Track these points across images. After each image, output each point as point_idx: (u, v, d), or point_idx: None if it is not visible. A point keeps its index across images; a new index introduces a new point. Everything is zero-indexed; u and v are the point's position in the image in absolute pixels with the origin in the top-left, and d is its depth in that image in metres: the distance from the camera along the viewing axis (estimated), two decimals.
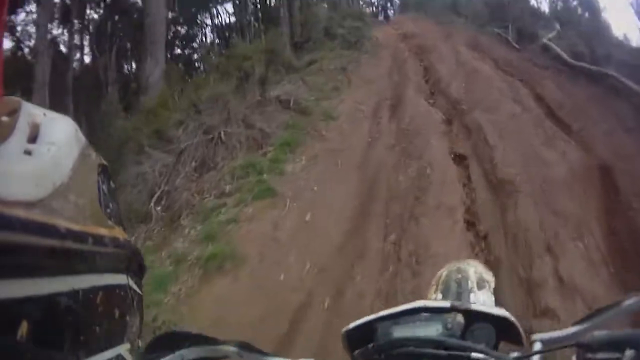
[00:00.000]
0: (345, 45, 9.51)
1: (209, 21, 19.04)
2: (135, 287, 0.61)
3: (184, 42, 18.66)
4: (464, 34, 9.80)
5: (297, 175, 4.75)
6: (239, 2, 16.04)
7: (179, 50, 18.04)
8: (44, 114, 0.47)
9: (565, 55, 7.05)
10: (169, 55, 12.17)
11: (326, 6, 13.49)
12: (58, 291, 0.35)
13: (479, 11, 11.03)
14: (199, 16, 17.92)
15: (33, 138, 0.42)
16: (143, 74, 9.09)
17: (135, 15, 13.28)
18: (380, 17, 17.94)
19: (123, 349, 0.50)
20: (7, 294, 0.29)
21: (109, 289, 0.47)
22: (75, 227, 0.39)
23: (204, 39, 19.23)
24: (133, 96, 9.58)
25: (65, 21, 12.36)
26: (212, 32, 18.37)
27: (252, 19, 15.53)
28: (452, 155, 4.47)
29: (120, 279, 0.53)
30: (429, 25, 11.47)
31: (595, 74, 6.24)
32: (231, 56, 8.69)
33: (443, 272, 0.84)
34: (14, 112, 0.42)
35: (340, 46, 9.52)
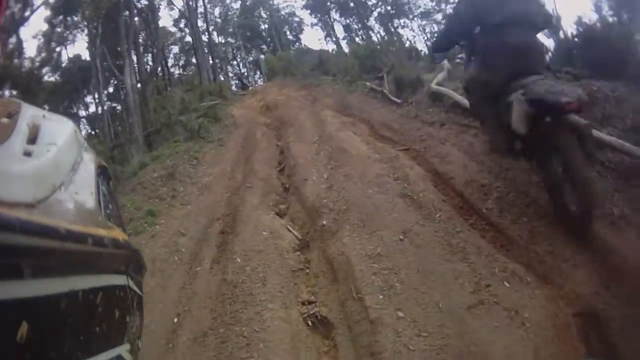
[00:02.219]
0: (188, 135, 6.70)
1: None
2: (135, 287, 0.61)
3: None
4: (333, 95, 8.00)
5: None
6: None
7: None
8: (44, 116, 0.47)
9: (465, 101, 3.93)
10: None
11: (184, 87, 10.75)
12: (58, 292, 0.35)
13: (348, 65, 9.28)
14: None
15: (33, 139, 0.42)
16: None
17: None
18: (239, 89, 15.97)
19: (123, 349, 0.50)
20: (8, 294, 0.29)
21: (108, 290, 0.47)
22: (75, 228, 0.39)
23: None
24: None
25: None
26: None
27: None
28: (309, 323, 2.11)
29: (120, 279, 0.53)
30: (294, 90, 9.55)
31: None
32: None
33: None
34: (13, 114, 0.42)
35: (184, 136, 6.71)
